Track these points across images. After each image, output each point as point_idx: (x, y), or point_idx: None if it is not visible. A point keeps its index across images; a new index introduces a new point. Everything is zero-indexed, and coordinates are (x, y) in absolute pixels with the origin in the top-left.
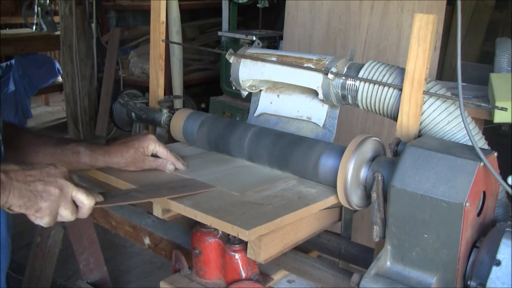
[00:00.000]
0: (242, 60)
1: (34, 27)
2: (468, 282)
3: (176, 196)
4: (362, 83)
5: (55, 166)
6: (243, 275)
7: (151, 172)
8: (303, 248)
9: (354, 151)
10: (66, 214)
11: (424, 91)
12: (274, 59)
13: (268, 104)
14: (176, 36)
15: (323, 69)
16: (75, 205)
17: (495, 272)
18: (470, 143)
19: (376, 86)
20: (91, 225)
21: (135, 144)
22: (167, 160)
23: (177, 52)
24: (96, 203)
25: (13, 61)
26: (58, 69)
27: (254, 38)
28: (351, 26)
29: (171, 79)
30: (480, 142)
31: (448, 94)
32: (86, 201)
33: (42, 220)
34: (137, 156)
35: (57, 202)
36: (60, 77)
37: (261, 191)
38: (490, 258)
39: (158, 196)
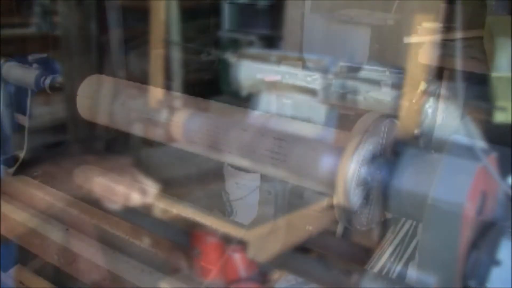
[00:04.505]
0: (242, 60)
1: (34, 27)
2: (468, 282)
3: None
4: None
5: None
6: (243, 275)
7: None
8: (303, 248)
9: (354, 151)
10: None
11: (424, 91)
12: (274, 59)
13: (268, 104)
14: (176, 36)
15: (323, 69)
16: None
17: (495, 272)
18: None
19: (376, 86)
20: (91, 225)
21: None
22: None
23: (177, 52)
24: None
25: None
26: (58, 69)
27: (254, 38)
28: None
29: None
30: (480, 142)
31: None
32: None
33: None
34: None
35: None
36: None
37: None
38: (490, 258)
39: None
